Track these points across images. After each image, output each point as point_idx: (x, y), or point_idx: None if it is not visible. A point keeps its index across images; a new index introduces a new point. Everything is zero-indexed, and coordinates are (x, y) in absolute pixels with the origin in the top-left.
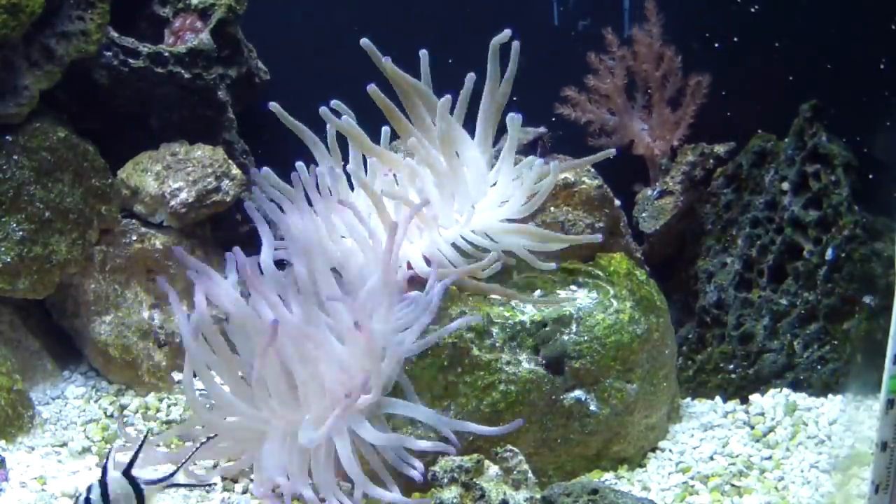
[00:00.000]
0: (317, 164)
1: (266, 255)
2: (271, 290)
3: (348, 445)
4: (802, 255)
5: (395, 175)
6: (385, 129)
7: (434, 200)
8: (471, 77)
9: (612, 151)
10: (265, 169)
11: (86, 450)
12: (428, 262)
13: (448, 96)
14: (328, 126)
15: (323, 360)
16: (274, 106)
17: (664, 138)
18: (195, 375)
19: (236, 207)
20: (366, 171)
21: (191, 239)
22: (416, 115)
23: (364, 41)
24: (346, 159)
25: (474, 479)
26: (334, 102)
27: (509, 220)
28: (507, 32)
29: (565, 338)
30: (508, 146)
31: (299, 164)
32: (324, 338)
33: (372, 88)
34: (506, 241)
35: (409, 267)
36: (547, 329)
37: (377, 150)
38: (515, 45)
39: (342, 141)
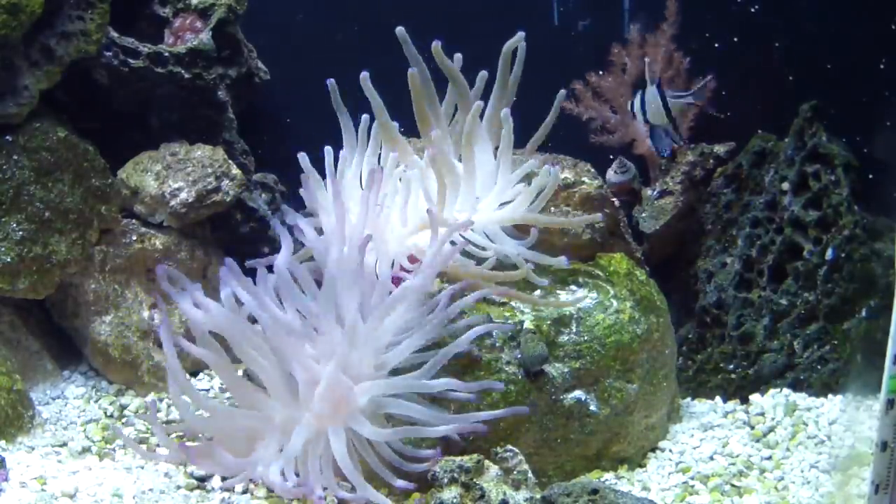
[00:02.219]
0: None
1: (282, 260)
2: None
3: (343, 443)
4: (802, 255)
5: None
6: (394, 125)
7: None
8: (482, 76)
9: (562, 94)
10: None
11: (86, 450)
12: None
13: (480, 101)
14: (361, 120)
15: (324, 361)
16: (331, 84)
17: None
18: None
19: (236, 207)
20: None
21: (191, 239)
22: (434, 111)
23: (399, 30)
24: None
25: (474, 479)
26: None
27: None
28: (520, 35)
29: (564, 338)
30: (505, 146)
31: (327, 149)
32: (332, 337)
33: (412, 73)
34: (504, 244)
35: (413, 260)
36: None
37: (401, 143)
38: (522, 46)
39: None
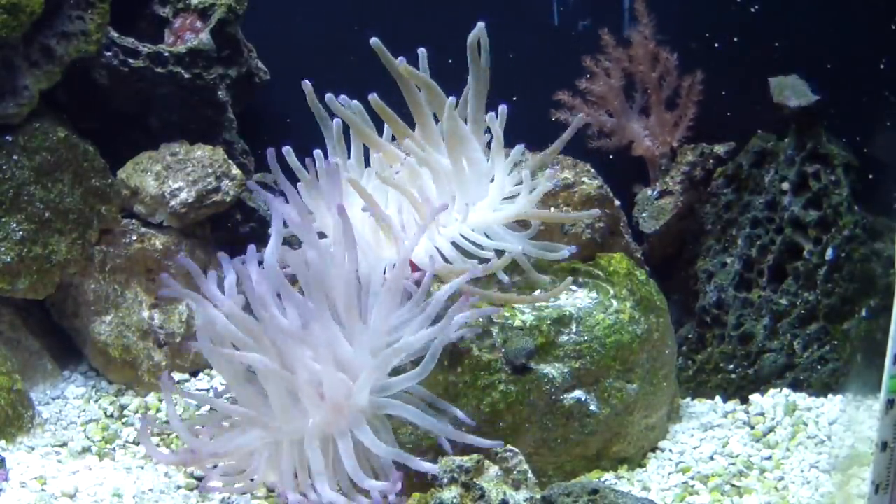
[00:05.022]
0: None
1: (270, 253)
2: (268, 293)
3: (351, 448)
4: (802, 255)
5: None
6: (388, 127)
7: (433, 199)
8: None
9: (580, 118)
10: (286, 148)
11: (86, 450)
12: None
13: (452, 97)
14: (334, 121)
15: (322, 363)
16: (305, 84)
17: (663, 139)
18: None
19: (236, 207)
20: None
21: (191, 239)
22: (420, 115)
23: (374, 41)
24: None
25: (474, 479)
26: (342, 98)
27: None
28: (480, 26)
29: (564, 338)
30: (496, 142)
31: (317, 152)
32: (329, 337)
33: (373, 98)
34: (504, 242)
35: (414, 268)
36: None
37: (382, 145)
38: (480, 25)
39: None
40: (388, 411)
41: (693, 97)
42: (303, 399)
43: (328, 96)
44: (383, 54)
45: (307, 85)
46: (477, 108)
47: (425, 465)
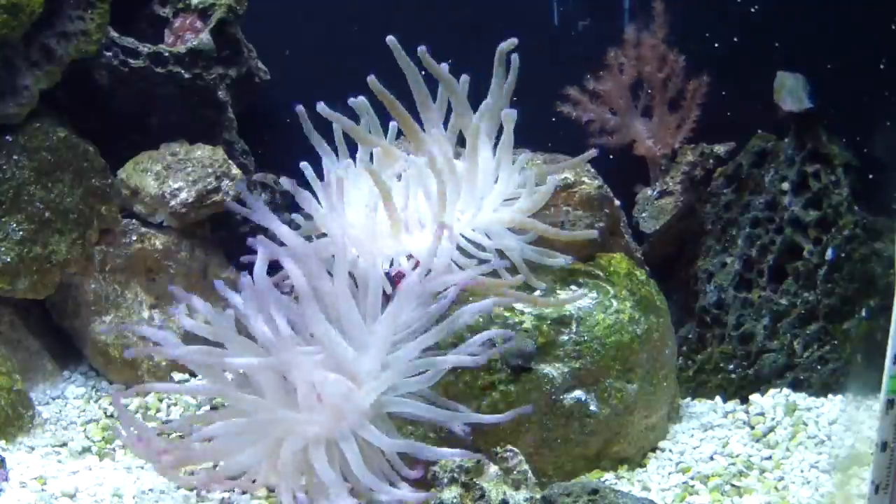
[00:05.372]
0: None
1: (259, 268)
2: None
3: (356, 450)
4: (802, 255)
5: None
6: (392, 125)
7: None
8: (465, 79)
9: (593, 153)
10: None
11: (86, 450)
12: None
13: (488, 101)
14: (334, 124)
15: (323, 367)
16: (322, 108)
17: (665, 140)
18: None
19: None
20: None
21: (191, 239)
22: (427, 111)
23: (390, 38)
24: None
25: (474, 479)
26: (352, 100)
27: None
28: (513, 41)
29: (564, 338)
30: (505, 144)
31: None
32: (326, 340)
33: (371, 80)
34: (505, 242)
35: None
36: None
37: (384, 146)
38: (514, 58)
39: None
40: (389, 409)
41: (697, 100)
42: (300, 402)
43: (319, 105)
44: (398, 52)
45: (301, 110)
46: (494, 111)
47: (441, 451)
